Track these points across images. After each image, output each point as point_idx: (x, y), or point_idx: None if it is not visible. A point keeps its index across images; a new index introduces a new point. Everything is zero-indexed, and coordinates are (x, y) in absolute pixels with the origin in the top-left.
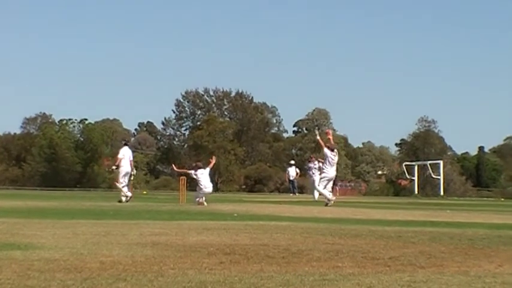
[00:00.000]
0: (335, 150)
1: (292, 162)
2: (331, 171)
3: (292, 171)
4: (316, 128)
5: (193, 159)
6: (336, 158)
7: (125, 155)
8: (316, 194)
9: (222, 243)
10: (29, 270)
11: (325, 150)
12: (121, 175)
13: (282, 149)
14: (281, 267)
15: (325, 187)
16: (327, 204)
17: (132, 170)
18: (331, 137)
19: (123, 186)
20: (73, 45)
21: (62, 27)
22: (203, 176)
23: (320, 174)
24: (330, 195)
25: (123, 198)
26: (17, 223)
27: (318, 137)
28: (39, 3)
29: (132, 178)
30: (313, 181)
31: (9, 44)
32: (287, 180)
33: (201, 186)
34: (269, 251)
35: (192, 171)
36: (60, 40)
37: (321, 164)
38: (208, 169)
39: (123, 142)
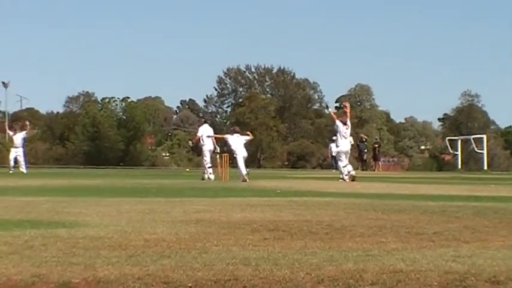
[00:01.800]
0: (348, 123)
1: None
2: (344, 145)
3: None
4: (326, 104)
5: None
6: (348, 131)
7: (204, 132)
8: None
9: (265, 219)
10: (74, 248)
11: (337, 122)
12: (205, 153)
13: (324, 125)
14: (325, 243)
15: (343, 162)
16: (342, 179)
17: (215, 148)
18: (347, 110)
19: (208, 167)
20: (114, 24)
21: (103, 7)
22: (237, 140)
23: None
24: (345, 171)
25: (205, 176)
26: (62, 201)
27: (331, 110)
28: None
29: (217, 156)
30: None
31: (51, 24)
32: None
33: (232, 149)
34: (312, 227)
35: (228, 135)
36: (101, 19)
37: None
38: (244, 137)
39: (203, 120)
